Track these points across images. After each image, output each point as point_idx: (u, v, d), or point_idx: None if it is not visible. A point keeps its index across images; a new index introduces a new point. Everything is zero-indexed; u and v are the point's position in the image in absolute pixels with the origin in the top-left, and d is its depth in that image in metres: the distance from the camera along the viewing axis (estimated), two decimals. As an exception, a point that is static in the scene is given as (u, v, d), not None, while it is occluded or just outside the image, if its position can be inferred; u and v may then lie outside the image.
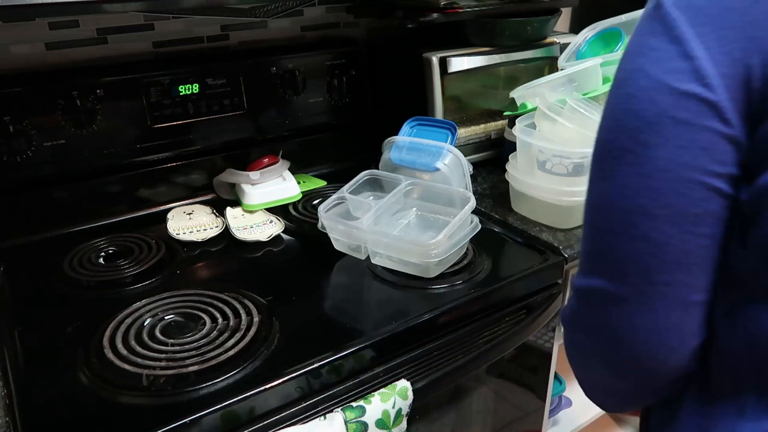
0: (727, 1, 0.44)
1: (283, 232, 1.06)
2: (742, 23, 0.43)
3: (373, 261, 0.93)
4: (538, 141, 1.03)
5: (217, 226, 1.08)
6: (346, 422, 0.73)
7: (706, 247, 0.47)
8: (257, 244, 1.03)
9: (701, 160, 0.45)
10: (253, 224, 1.08)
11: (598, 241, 0.51)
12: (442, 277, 0.92)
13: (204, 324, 0.80)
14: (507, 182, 1.15)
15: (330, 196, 0.98)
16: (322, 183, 1.27)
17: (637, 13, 1.15)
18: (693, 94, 0.44)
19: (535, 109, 1.17)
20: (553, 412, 1.34)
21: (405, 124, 1.13)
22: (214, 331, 0.79)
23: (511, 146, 1.22)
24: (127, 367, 0.72)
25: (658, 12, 0.47)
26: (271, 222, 1.08)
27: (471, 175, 1.08)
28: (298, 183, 1.21)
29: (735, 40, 0.43)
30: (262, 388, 0.71)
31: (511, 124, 1.24)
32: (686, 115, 0.45)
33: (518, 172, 1.10)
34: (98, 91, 1.05)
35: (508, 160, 1.20)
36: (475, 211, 1.10)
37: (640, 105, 0.47)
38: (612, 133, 0.49)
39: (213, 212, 1.13)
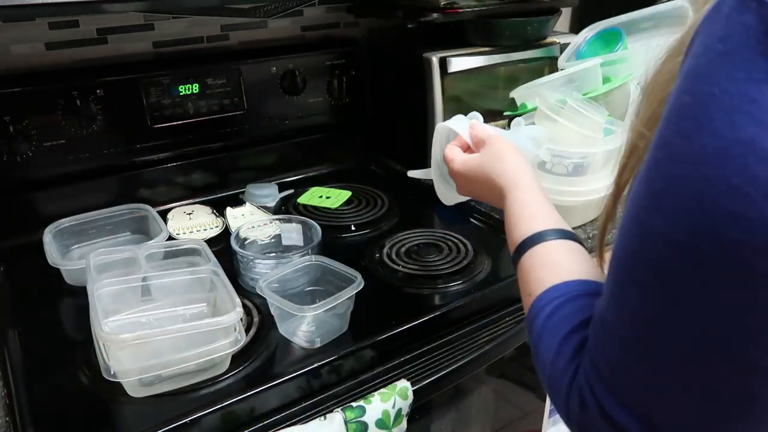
0: None
1: (283, 232, 1.06)
2: None
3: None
4: (538, 141, 1.03)
5: (217, 226, 1.08)
6: (346, 422, 0.73)
7: None
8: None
9: None
10: (254, 224, 1.07)
11: (667, 372, 0.37)
12: (442, 278, 0.92)
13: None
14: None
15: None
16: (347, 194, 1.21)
17: (638, 14, 1.15)
18: None
19: (535, 109, 1.17)
20: (553, 412, 1.34)
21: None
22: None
23: (511, 146, 1.22)
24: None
25: None
26: (271, 222, 1.08)
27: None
28: (320, 197, 1.18)
29: None
30: (262, 388, 0.71)
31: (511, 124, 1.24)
32: None
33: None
34: (98, 91, 1.05)
35: (508, 160, 1.19)
36: (476, 211, 1.10)
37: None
38: (706, 238, 0.33)
39: (213, 212, 1.13)
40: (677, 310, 0.36)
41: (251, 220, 1.10)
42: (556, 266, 0.53)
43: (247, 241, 0.97)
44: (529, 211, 0.61)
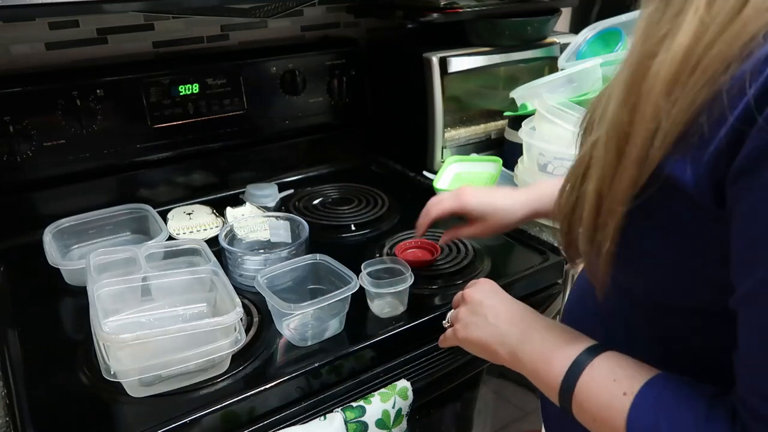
0: None
1: (283, 232, 1.06)
2: None
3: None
4: (539, 143, 1.03)
5: (217, 226, 1.08)
6: (346, 422, 0.73)
7: None
8: (257, 244, 1.03)
9: None
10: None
11: None
12: (442, 278, 0.92)
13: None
14: (506, 182, 1.15)
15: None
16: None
17: (638, 13, 1.16)
18: None
19: (534, 111, 1.17)
20: (553, 412, 1.33)
21: None
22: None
23: (511, 146, 1.23)
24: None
25: None
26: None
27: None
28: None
29: None
30: (262, 388, 0.71)
31: (511, 124, 1.25)
32: None
33: (524, 173, 1.10)
34: (98, 91, 1.05)
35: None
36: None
37: None
38: None
39: (213, 212, 1.13)
40: None
41: (251, 220, 1.10)
42: (635, 364, 0.49)
43: (236, 239, 0.97)
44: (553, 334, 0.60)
